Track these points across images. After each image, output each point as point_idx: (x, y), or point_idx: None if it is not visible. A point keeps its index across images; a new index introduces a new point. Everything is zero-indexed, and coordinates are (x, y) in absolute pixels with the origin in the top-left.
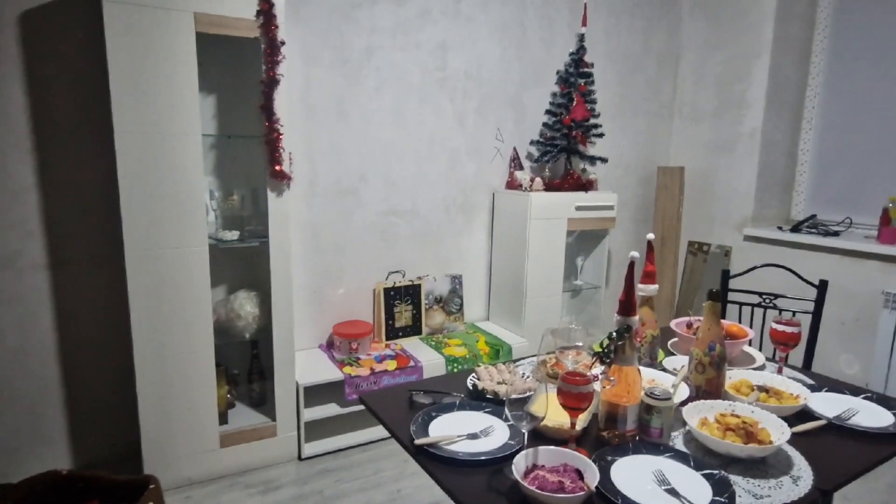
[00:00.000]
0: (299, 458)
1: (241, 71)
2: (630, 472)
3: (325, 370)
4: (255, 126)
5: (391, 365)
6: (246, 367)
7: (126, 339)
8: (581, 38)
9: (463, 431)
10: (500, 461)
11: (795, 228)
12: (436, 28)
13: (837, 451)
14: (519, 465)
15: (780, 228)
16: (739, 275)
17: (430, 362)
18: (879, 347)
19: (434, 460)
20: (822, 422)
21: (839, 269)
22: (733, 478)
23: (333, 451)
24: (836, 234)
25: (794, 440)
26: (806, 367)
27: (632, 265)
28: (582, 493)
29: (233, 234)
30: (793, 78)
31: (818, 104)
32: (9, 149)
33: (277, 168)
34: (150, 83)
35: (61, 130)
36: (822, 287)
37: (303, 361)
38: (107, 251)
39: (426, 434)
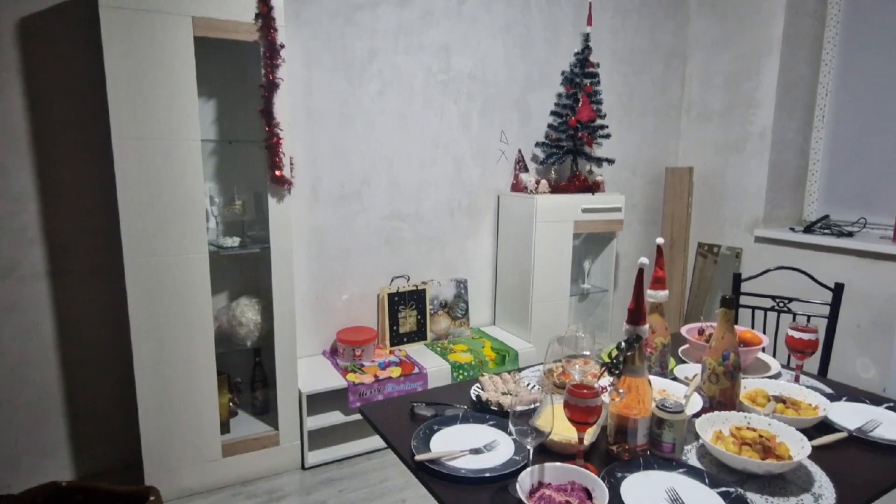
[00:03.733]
0: (303, 467)
1: (241, 75)
2: (641, 489)
3: (328, 377)
4: (256, 131)
5: (396, 372)
6: (248, 375)
7: (126, 348)
8: (586, 37)
9: (466, 446)
10: (504, 478)
11: (808, 229)
12: (438, 30)
13: (860, 466)
14: (524, 483)
15: (792, 229)
16: (752, 278)
17: (436, 369)
18: None
19: (435, 477)
20: (843, 434)
21: (854, 271)
22: (751, 495)
23: (338, 459)
24: (850, 234)
25: (814, 454)
26: (822, 373)
27: (641, 272)
28: None
29: (234, 241)
30: (804, 76)
31: (830, 102)
32: (8, 156)
33: (278, 173)
34: (148, 89)
35: (60, 137)
36: (838, 290)
37: (306, 369)
38: (107, 259)
39: (427, 449)
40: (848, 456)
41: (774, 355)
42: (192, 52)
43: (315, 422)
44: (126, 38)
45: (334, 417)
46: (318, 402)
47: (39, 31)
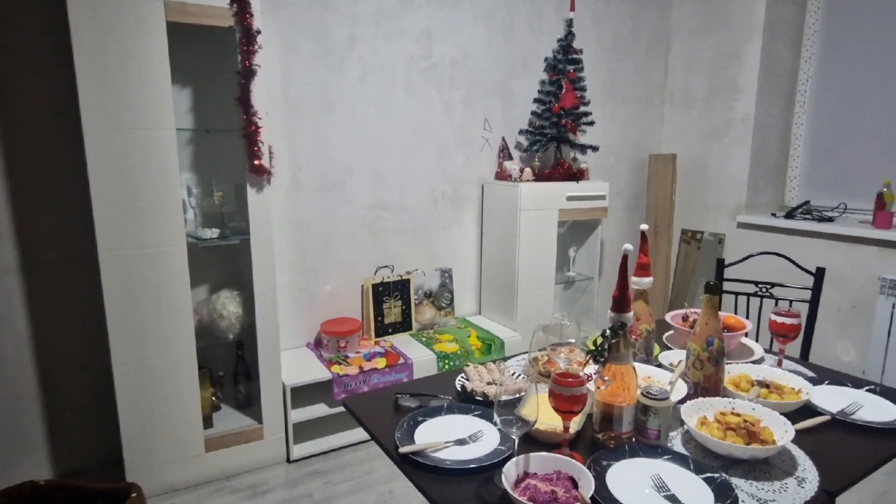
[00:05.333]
0: (288, 460)
1: (216, 62)
2: (627, 477)
3: (312, 370)
4: (234, 119)
5: (381, 363)
6: (231, 368)
7: (104, 343)
8: (569, 23)
9: (450, 437)
10: (489, 468)
11: (790, 215)
12: (420, 15)
13: (843, 449)
14: (509, 473)
15: (773, 215)
16: (735, 263)
17: (421, 359)
18: (876, 334)
19: (420, 469)
20: (826, 417)
21: (834, 256)
22: (735, 481)
23: (323, 452)
24: (830, 219)
25: (798, 438)
26: (803, 357)
27: (625, 259)
28: (576, 503)
29: (213, 232)
30: (785, 61)
31: (810, 88)
32: None
33: (257, 162)
34: (119, 76)
35: (29, 127)
36: (820, 275)
37: (290, 361)
38: (80, 252)
39: (412, 440)
40: (831, 439)
41: (757, 340)
42: (165, 38)
43: (300, 414)
44: (95, 22)
45: (319, 410)
46: (303, 394)
47: (3, 18)
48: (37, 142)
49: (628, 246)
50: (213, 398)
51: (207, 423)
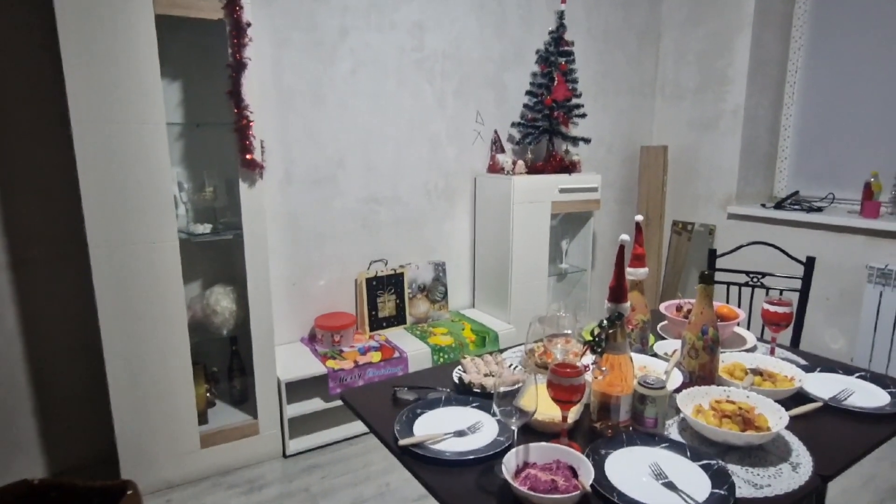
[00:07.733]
0: (284, 455)
1: (207, 55)
2: (625, 465)
3: (307, 364)
4: (225, 113)
5: (376, 357)
6: (225, 364)
7: (96, 340)
8: (560, 15)
9: (449, 429)
10: (489, 459)
11: (779, 205)
12: (411, 7)
13: (835, 434)
14: (509, 464)
15: (763, 206)
16: (726, 254)
17: (416, 352)
18: (864, 322)
19: (420, 461)
20: (819, 404)
21: (823, 245)
22: (731, 467)
23: (319, 446)
24: (819, 209)
25: (791, 424)
26: (794, 345)
27: (622, 249)
28: (576, 492)
29: (205, 228)
30: (774, 53)
31: (799, 79)
32: None
33: (248, 157)
34: (108, 70)
35: (16, 123)
36: (810, 264)
37: (284, 356)
38: (71, 248)
39: (411, 433)
40: (823, 424)
41: (749, 329)
42: (154, 31)
43: (295, 409)
44: (82, 16)
45: (315, 404)
46: (298, 389)
47: None
48: (24, 136)
49: (625, 237)
50: (208, 394)
51: (202, 419)
